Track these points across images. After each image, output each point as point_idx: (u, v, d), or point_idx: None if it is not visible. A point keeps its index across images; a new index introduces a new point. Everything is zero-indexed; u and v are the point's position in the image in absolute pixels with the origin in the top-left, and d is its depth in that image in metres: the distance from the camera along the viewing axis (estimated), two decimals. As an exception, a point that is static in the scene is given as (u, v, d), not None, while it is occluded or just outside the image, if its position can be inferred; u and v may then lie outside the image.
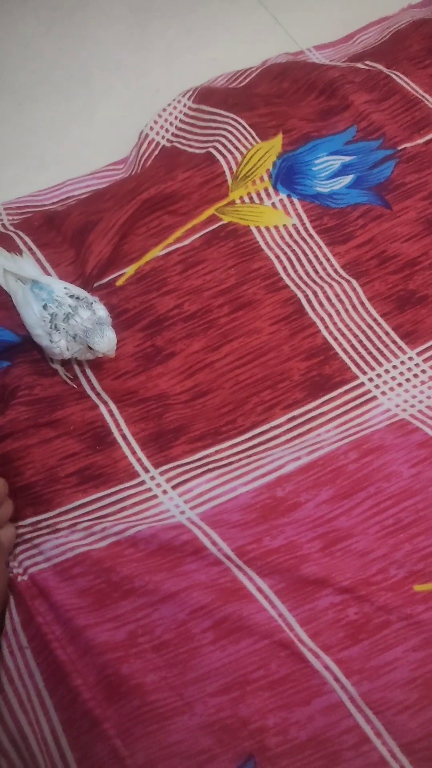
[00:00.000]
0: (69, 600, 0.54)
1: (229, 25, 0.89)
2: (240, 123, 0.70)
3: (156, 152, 0.75)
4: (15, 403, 0.61)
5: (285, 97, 0.75)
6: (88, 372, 0.63)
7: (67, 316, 0.58)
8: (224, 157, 0.68)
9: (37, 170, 0.79)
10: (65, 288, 0.60)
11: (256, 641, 0.51)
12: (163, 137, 0.76)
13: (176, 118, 0.76)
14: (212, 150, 0.69)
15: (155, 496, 0.58)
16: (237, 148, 0.69)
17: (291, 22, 0.88)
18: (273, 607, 0.52)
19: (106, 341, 0.57)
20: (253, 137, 0.69)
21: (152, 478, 0.59)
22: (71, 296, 0.59)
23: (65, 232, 0.68)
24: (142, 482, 0.58)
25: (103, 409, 0.61)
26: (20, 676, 0.52)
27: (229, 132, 0.69)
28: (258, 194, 0.68)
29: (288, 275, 0.65)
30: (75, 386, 0.62)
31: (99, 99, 0.85)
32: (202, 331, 0.63)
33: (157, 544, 0.55)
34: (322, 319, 0.63)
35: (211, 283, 0.65)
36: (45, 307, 0.59)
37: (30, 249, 0.68)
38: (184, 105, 0.76)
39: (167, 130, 0.76)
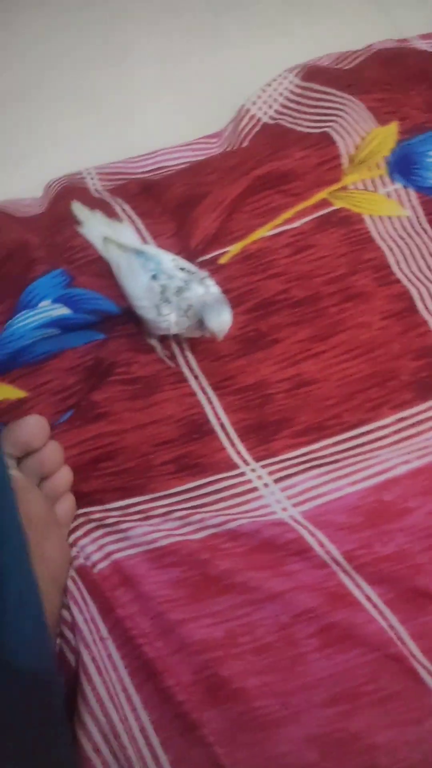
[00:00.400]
0: (160, 591, 0.51)
1: (332, 6, 0.85)
2: (358, 105, 0.66)
3: (257, 128, 0.72)
4: (112, 380, 0.57)
5: (395, 84, 0.71)
6: (187, 352, 0.60)
7: (180, 290, 0.54)
8: (342, 138, 0.65)
9: (130, 136, 0.76)
10: (173, 260, 0.57)
11: (366, 653, 0.48)
12: (265, 113, 0.72)
13: (281, 94, 0.72)
14: (329, 130, 0.65)
15: (255, 489, 0.55)
16: (356, 131, 0.65)
17: (395, 7, 0.85)
18: (383, 617, 0.49)
19: (221, 321, 0.53)
20: (372, 121, 0.66)
21: (253, 470, 0.56)
22: (181, 269, 0.56)
23: (166, 202, 0.65)
24: (242, 473, 0.55)
25: (201, 396, 0.58)
26: (105, 667, 0.49)
27: (347, 113, 0.66)
28: (372, 182, 0.64)
29: (400, 269, 0.62)
30: (173, 365, 0.59)
31: (195, 69, 0.82)
32: (310, 320, 0.60)
33: (259, 539, 0.52)
34: None
35: (322, 269, 0.61)
36: (154, 277, 0.55)
37: (129, 217, 0.64)
38: (291, 81, 0.72)
39: (270, 106, 0.72)
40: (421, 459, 0.54)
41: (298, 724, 0.46)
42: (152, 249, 0.59)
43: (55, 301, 0.59)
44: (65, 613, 0.50)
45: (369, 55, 0.75)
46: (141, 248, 0.59)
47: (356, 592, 0.50)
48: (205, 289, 0.54)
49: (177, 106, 0.79)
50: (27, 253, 0.61)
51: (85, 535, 0.53)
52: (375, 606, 0.49)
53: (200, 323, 0.54)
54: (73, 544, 0.53)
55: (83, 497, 0.55)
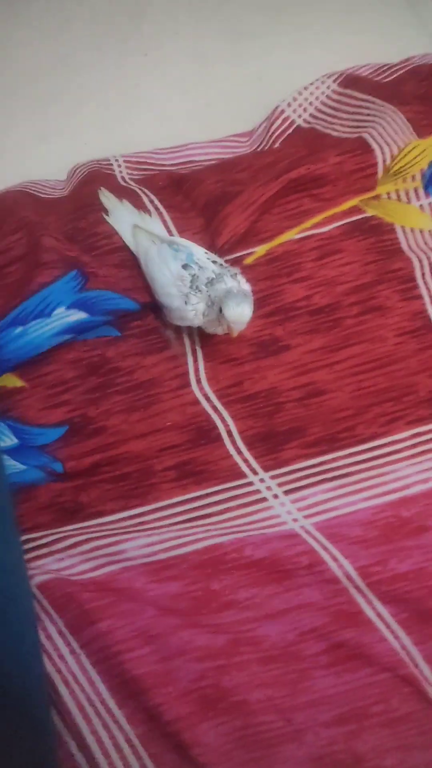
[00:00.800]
0: (157, 603, 0.49)
1: (372, 16, 0.85)
2: (398, 115, 0.65)
3: (290, 131, 0.70)
4: (112, 392, 0.56)
5: (433, 99, 0.70)
6: (198, 350, 0.58)
7: (211, 281, 0.53)
8: (380, 147, 0.63)
9: (158, 125, 0.75)
10: (206, 253, 0.56)
11: (376, 673, 0.46)
12: (299, 116, 0.71)
13: (317, 98, 0.71)
14: (367, 136, 0.64)
15: (264, 499, 0.53)
16: (394, 141, 0.64)
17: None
18: (396, 637, 0.47)
19: (238, 311, 0.52)
20: (411, 132, 0.65)
21: (261, 480, 0.54)
22: (213, 262, 0.55)
23: (196, 198, 0.63)
24: (250, 483, 0.54)
25: (205, 404, 0.57)
26: (75, 681, 0.47)
27: (386, 122, 0.65)
28: (407, 193, 0.63)
29: (425, 283, 0.60)
30: (183, 356, 0.58)
31: (228, 68, 0.81)
32: (327, 329, 0.59)
33: (267, 551, 0.50)
34: None
35: (347, 276, 0.60)
36: (185, 267, 0.54)
37: (157, 209, 0.63)
38: (328, 87, 0.71)
39: (305, 110, 0.71)
40: (440, 478, 0.53)
41: (301, 743, 0.44)
42: (184, 240, 0.58)
43: (70, 306, 0.58)
44: None
45: (408, 69, 0.74)
46: (172, 238, 0.58)
47: (368, 611, 0.48)
48: (237, 285, 0.53)
49: (207, 102, 0.78)
50: (37, 256, 0.59)
51: (72, 546, 0.52)
52: (387, 626, 0.48)
53: (219, 313, 0.53)
54: (38, 558, 0.51)
55: (81, 510, 0.53)
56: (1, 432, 0.55)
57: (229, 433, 0.56)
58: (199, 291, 0.53)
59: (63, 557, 0.51)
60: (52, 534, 0.52)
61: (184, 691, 0.46)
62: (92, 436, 0.55)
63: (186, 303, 0.54)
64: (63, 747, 0.45)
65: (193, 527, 0.52)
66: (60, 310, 0.57)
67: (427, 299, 0.60)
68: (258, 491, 0.53)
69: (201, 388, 0.57)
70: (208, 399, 0.57)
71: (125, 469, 0.54)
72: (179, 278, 0.54)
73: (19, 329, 0.56)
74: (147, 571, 0.50)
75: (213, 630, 0.48)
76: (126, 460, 0.54)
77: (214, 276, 0.53)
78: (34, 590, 0.49)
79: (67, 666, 0.47)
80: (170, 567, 0.51)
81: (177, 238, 0.59)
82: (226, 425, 0.56)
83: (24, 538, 0.52)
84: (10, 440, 0.55)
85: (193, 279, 0.53)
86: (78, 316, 0.57)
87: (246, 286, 0.53)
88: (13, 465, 0.54)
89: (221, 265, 0.55)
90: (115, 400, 0.56)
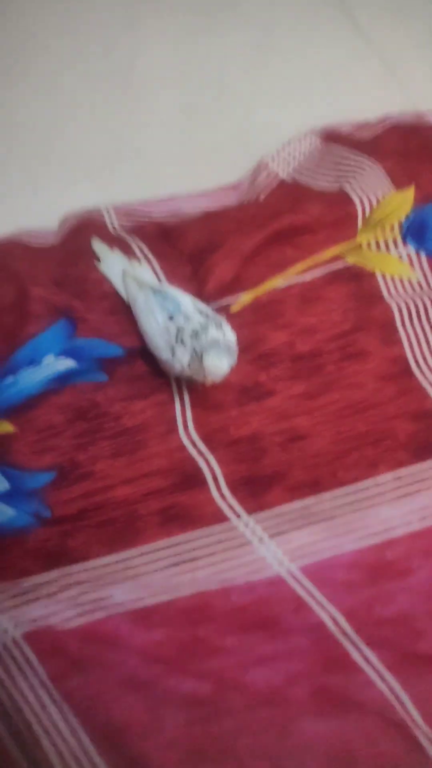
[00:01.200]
0: (143, 650, 0.49)
1: (351, 75, 0.89)
2: (377, 168, 0.68)
3: (274, 184, 0.73)
4: (99, 437, 0.57)
5: (412, 155, 0.73)
6: (186, 395, 0.59)
7: (196, 333, 0.54)
8: (360, 198, 0.66)
9: (147, 175, 0.77)
10: (192, 302, 0.57)
11: (364, 716, 0.46)
12: (283, 170, 0.74)
13: (300, 153, 0.74)
14: (348, 188, 0.67)
15: (249, 543, 0.54)
16: (374, 192, 0.67)
17: (412, 81, 0.88)
18: (383, 681, 0.47)
19: (216, 363, 0.53)
20: (390, 184, 0.67)
21: (246, 524, 0.55)
22: (199, 312, 0.56)
23: (183, 247, 0.66)
24: (234, 527, 0.54)
25: (191, 449, 0.58)
26: (58, 731, 0.46)
27: (366, 175, 0.68)
28: (386, 243, 0.66)
29: (405, 329, 0.62)
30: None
31: (214, 121, 0.84)
32: (307, 376, 0.61)
33: (252, 596, 0.51)
34: None
35: (327, 323, 0.62)
36: (171, 318, 0.56)
37: (146, 257, 0.64)
38: (311, 142, 0.75)
39: (289, 164, 0.74)
40: (423, 521, 0.54)
41: (292, 790, 0.44)
42: (171, 289, 0.59)
43: (59, 354, 0.59)
44: None
45: (387, 127, 0.77)
46: (160, 287, 0.59)
47: (355, 654, 0.48)
48: (222, 335, 0.54)
49: (196, 153, 0.80)
50: (26, 306, 0.61)
51: (58, 592, 0.51)
52: (375, 669, 0.48)
53: (199, 360, 0.54)
54: (25, 605, 0.51)
55: (67, 554, 0.54)
56: None
57: (214, 478, 0.56)
58: (184, 344, 0.54)
59: (48, 603, 0.51)
60: (38, 581, 0.52)
61: (171, 739, 0.45)
62: (79, 480, 0.55)
63: (172, 355, 0.55)
64: None
65: (179, 572, 0.52)
66: (49, 358, 0.58)
67: (406, 344, 0.62)
68: (242, 534, 0.54)
69: (188, 434, 0.58)
70: (194, 444, 0.57)
71: (111, 513, 0.55)
72: (165, 330, 0.55)
73: (10, 379, 0.58)
74: (133, 618, 0.50)
75: (199, 676, 0.47)
76: (112, 505, 0.55)
77: (199, 328, 0.54)
78: (19, 640, 0.49)
79: (49, 716, 0.46)
80: (156, 613, 0.51)
81: (165, 286, 0.60)
82: (212, 470, 0.57)
83: (11, 583, 0.52)
84: (2, 485, 0.55)
85: (179, 332, 0.55)
86: (66, 363, 0.58)
87: (231, 336, 0.55)
88: (4, 511, 0.54)
89: (207, 315, 0.56)
90: (102, 446, 0.57)
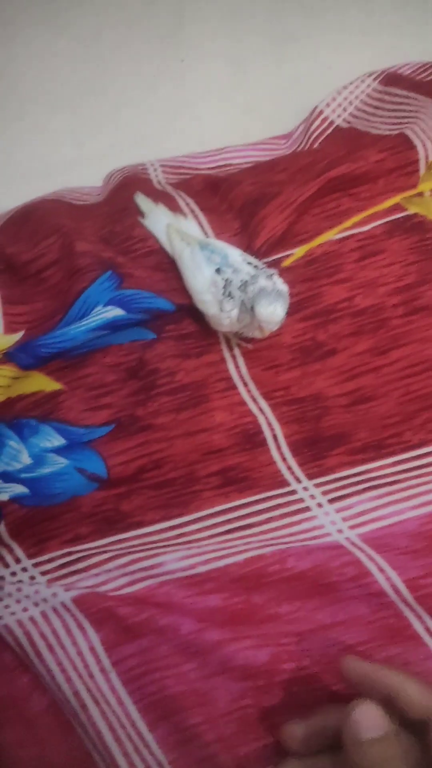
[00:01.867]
0: (197, 617, 0.47)
1: (411, 16, 0.83)
2: (441, 110, 0.63)
3: (329, 131, 0.69)
4: (156, 393, 0.54)
5: None
6: (238, 356, 0.56)
7: (245, 284, 0.51)
8: (423, 143, 0.61)
9: (195, 131, 0.74)
10: (241, 255, 0.54)
11: None
12: (339, 116, 0.69)
13: (357, 98, 0.69)
14: (408, 132, 0.62)
15: (308, 509, 0.51)
16: (437, 136, 0.62)
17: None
18: None
19: (270, 310, 0.49)
20: (454, 126, 0.62)
21: (305, 488, 0.52)
22: (249, 263, 0.53)
23: (233, 200, 0.62)
24: (293, 492, 0.52)
25: (251, 405, 0.55)
26: (106, 700, 0.45)
27: (429, 117, 0.62)
28: (450, 190, 0.61)
29: None
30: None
31: (265, 71, 0.80)
32: (372, 331, 0.56)
33: (310, 563, 0.48)
34: None
35: (388, 277, 0.58)
36: (218, 271, 0.52)
37: (193, 212, 0.61)
38: (368, 85, 0.69)
39: (345, 109, 0.69)
40: None
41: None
42: (219, 242, 0.56)
43: (107, 304, 0.56)
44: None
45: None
46: (206, 241, 0.56)
47: (417, 625, 0.45)
48: (272, 285, 0.50)
49: (245, 106, 0.77)
50: (74, 262, 0.58)
51: (109, 560, 0.50)
52: None
53: (252, 313, 0.50)
54: (74, 573, 0.50)
55: (121, 519, 0.52)
56: (47, 433, 0.53)
57: (275, 438, 0.54)
58: (232, 297, 0.51)
59: (99, 572, 0.50)
60: (91, 548, 0.51)
61: (224, 711, 0.44)
62: (139, 432, 0.53)
63: (221, 310, 0.52)
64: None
65: (233, 539, 0.50)
66: (98, 308, 0.56)
67: None
68: (301, 500, 0.51)
69: (248, 391, 0.55)
70: (255, 401, 0.55)
71: (170, 474, 0.53)
72: (213, 284, 0.52)
73: (59, 333, 0.56)
74: (186, 584, 0.49)
75: (254, 645, 0.45)
76: (171, 463, 0.53)
77: (248, 279, 0.51)
78: (68, 604, 0.48)
79: (96, 684, 0.45)
80: (210, 580, 0.49)
81: (212, 240, 0.57)
82: (272, 429, 0.54)
83: (64, 551, 0.51)
84: (58, 441, 0.53)
85: (227, 284, 0.52)
86: (115, 312, 0.55)
87: (282, 287, 0.51)
88: (58, 462, 0.53)
89: (257, 266, 0.53)
90: (163, 401, 0.54)
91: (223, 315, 0.52)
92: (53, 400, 0.54)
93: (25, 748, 0.45)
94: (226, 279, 0.51)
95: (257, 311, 0.49)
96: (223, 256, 0.53)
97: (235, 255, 0.53)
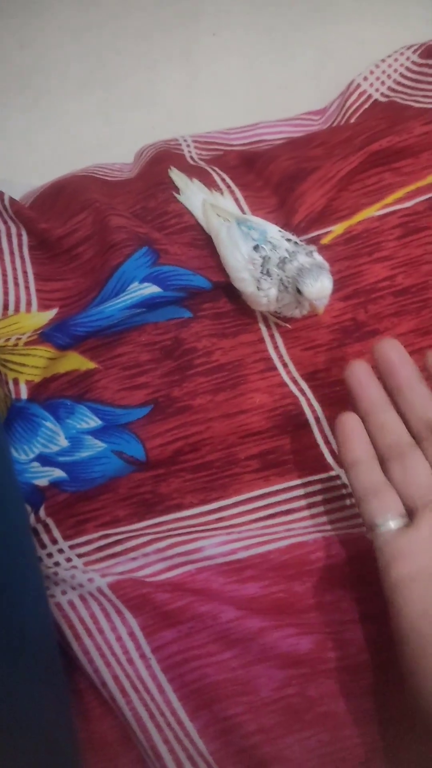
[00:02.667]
0: (237, 605, 0.45)
1: None
2: None
3: (366, 105, 0.66)
4: (192, 373, 0.53)
5: None
6: (277, 336, 0.55)
7: (283, 261, 0.49)
8: (468, 114, 0.59)
9: (227, 107, 0.71)
10: (280, 231, 0.52)
11: None
12: (377, 90, 0.67)
13: (396, 71, 0.67)
14: (454, 105, 0.60)
15: (350, 495, 0.49)
16: None
17: None
18: None
19: (318, 286, 0.47)
20: None
21: None
22: (288, 240, 0.51)
23: (269, 176, 0.60)
24: (336, 477, 0.50)
25: (292, 387, 0.53)
26: (145, 687, 0.44)
27: (475, 88, 0.60)
28: None
29: None
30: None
31: (300, 43, 0.77)
32: (415, 311, 0.54)
33: (354, 551, 0.47)
34: None
35: None
36: (256, 248, 0.50)
37: (229, 187, 0.59)
38: (408, 58, 0.67)
39: (383, 83, 0.67)
40: None
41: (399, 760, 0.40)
42: (257, 219, 0.54)
43: (143, 281, 0.54)
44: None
45: None
46: (244, 217, 0.54)
47: None
48: (312, 261, 0.48)
49: (279, 82, 0.75)
50: (108, 237, 0.56)
51: (148, 544, 0.49)
52: None
53: (297, 295, 0.48)
54: (112, 557, 0.49)
55: (159, 502, 0.50)
56: (83, 414, 0.52)
57: (317, 420, 0.52)
58: (270, 276, 0.49)
59: (137, 556, 0.48)
60: (129, 531, 0.50)
61: (267, 700, 0.42)
62: (177, 414, 0.52)
63: (258, 288, 0.50)
64: (134, 751, 0.43)
65: (274, 524, 0.49)
66: (134, 285, 0.54)
67: None
68: (344, 486, 0.49)
69: (288, 372, 0.53)
70: (295, 382, 0.53)
71: (208, 456, 0.51)
72: (251, 261, 0.50)
73: (95, 310, 0.54)
74: (226, 571, 0.47)
75: (296, 634, 0.44)
76: (210, 446, 0.51)
77: (287, 255, 0.49)
78: (105, 590, 0.46)
79: (136, 671, 0.44)
80: (250, 567, 0.47)
81: (250, 216, 0.55)
82: (314, 411, 0.52)
83: (101, 533, 0.50)
84: (94, 422, 0.52)
85: (264, 261, 0.50)
86: (151, 289, 0.53)
87: (323, 262, 0.49)
88: (96, 445, 0.51)
89: (296, 243, 0.51)
90: (199, 381, 0.52)
91: (261, 294, 0.50)
92: (88, 380, 0.53)
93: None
94: (264, 256, 0.50)
95: (305, 291, 0.47)
96: (261, 232, 0.51)
97: (274, 231, 0.51)
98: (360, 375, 0.47)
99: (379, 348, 0.47)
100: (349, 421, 0.45)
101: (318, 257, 0.49)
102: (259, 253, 0.50)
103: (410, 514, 0.42)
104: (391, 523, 0.41)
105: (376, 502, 0.42)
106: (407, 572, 0.39)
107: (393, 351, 0.46)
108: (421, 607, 0.38)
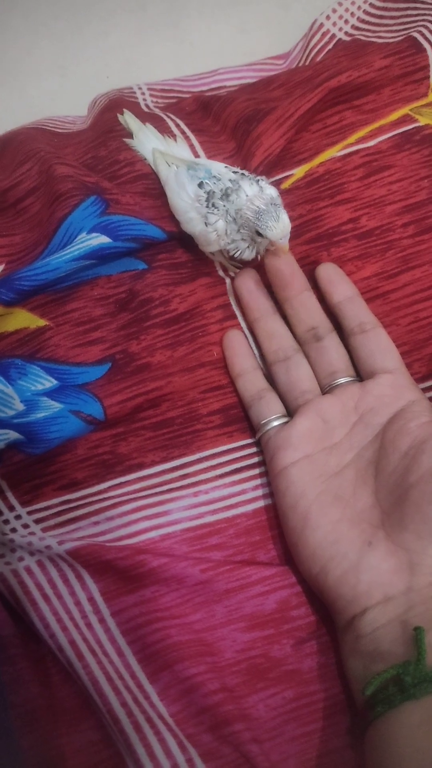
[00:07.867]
0: (203, 570, 0.44)
1: None
2: (451, 10, 0.57)
3: (330, 45, 0.63)
4: (150, 325, 0.50)
5: None
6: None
7: (227, 192, 0.47)
8: (432, 46, 0.56)
9: (185, 55, 0.69)
10: (226, 167, 0.50)
11: None
12: (340, 29, 0.64)
13: (359, 8, 0.64)
14: (417, 35, 0.56)
15: None
16: (448, 39, 0.56)
17: None
18: None
19: (280, 226, 0.45)
20: (467, 28, 0.57)
21: None
22: (234, 172, 0.49)
23: (226, 119, 0.57)
24: None
25: (251, 339, 0.51)
26: (104, 651, 0.42)
27: (438, 19, 0.57)
28: (464, 97, 0.56)
29: None
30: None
31: None
32: (379, 253, 0.52)
33: None
34: None
35: (398, 194, 0.53)
36: (201, 185, 0.48)
37: (183, 133, 0.57)
38: (372, -7, 0.64)
39: (346, 21, 0.64)
40: None
41: (362, 713, 0.39)
42: (205, 160, 0.51)
43: (91, 231, 0.51)
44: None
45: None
46: (194, 160, 0.51)
47: None
48: (259, 190, 0.46)
49: (240, 26, 0.71)
50: (54, 187, 0.53)
51: (112, 507, 0.47)
52: None
53: (256, 237, 0.46)
54: (73, 521, 0.47)
55: (119, 462, 0.49)
56: (36, 375, 0.50)
57: None
58: (216, 207, 0.47)
59: (100, 520, 0.47)
60: (90, 494, 0.48)
61: (231, 661, 0.41)
62: (136, 372, 0.50)
63: (206, 224, 0.48)
64: (94, 717, 0.42)
65: (240, 480, 0.47)
66: (81, 236, 0.51)
67: None
68: None
69: (248, 321, 0.51)
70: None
71: (169, 413, 0.49)
72: (197, 199, 0.48)
73: (41, 263, 0.51)
74: (191, 537, 0.46)
75: (261, 593, 0.43)
76: (170, 402, 0.49)
77: (230, 185, 0.47)
78: (65, 555, 0.45)
79: (95, 634, 0.43)
80: (217, 533, 0.46)
81: (201, 159, 0.53)
82: None
83: (61, 499, 0.48)
84: (49, 382, 0.49)
85: (210, 196, 0.47)
86: (100, 240, 0.50)
87: (271, 191, 0.47)
88: (52, 406, 0.49)
89: (242, 174, 0.48)
90: (158, 334, 0.50)
91: (210, 229, 0.47)
92: (39, 338, 0.51)
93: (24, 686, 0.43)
94: (208, 191, 0.47)
95: (268, 235, 0.45)
96: (206, 170, 0.49)
97: (220, 167, 0.49)
98: (249, 284, 0.50)
99: (270, 261, 0.49)
100: (234, 337, 0.50)
101: (267, 187, 0.47)
102: (203, 188, 0.48)
103: (292, 413, 0.47)
104: (274, 422, 0.47)
105: (260, 406, 0.47)
106: (289, 460, 0.44)
107: (285, 264, 0.49)
108: (301, 488, 0.43)
